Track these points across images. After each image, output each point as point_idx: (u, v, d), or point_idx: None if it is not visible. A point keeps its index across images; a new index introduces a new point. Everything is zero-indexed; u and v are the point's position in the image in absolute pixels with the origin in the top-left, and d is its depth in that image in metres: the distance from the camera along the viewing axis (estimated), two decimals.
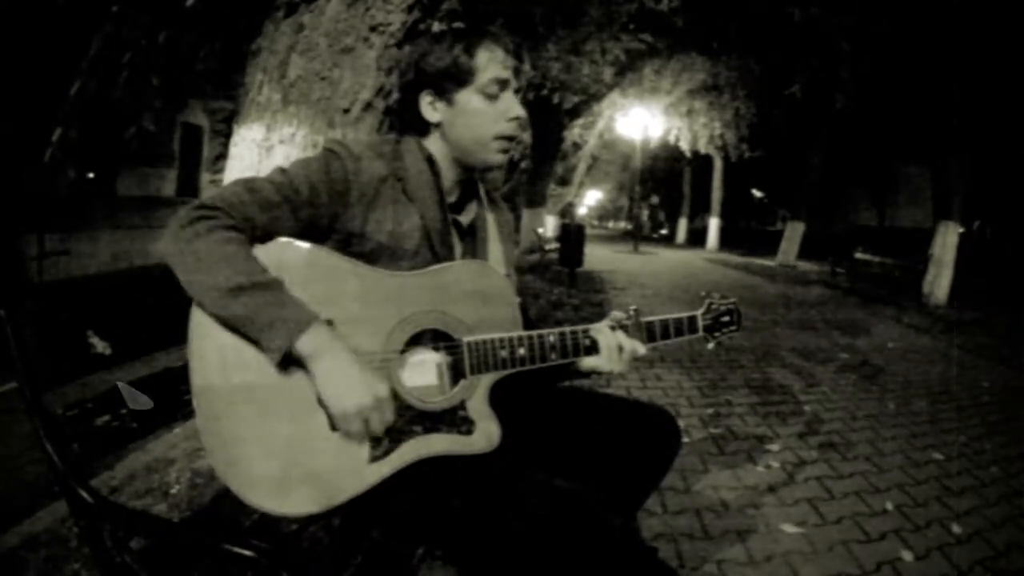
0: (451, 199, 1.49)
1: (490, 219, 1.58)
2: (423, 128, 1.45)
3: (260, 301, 1.12)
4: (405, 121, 1.48)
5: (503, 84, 1.38)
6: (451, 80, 1.38)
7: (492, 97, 1.38)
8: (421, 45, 1.45)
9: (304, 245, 1.24)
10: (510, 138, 1.41)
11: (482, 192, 1.59)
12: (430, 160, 1.43)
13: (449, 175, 1.46)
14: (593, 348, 1.46)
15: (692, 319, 1.59)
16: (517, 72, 1.40)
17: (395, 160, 1.40)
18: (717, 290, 1.66)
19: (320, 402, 1.18)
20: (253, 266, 1.15)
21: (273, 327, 1.11)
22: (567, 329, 1.44)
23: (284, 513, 1.18)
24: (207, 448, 1.15)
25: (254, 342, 1.13)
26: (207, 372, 1.16)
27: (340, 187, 1.31)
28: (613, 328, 1.49)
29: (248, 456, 1.15)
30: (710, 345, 1.63)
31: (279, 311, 1.12)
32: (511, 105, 1.40)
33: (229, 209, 1.18)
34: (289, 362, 1.15)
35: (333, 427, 1.20)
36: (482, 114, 1.38)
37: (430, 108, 1.43)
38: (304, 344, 1.13)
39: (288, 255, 1.21)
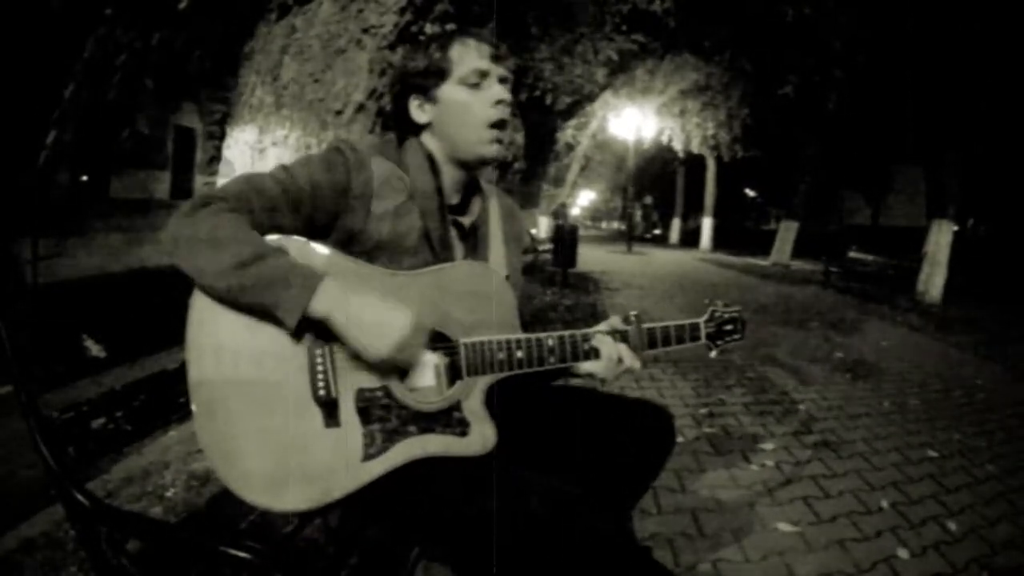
0: (453, 200, 1.49)
1: (495, 221, 1.57)
2: (418, 132, 1.47)
3: (270, 268, 1.14)
4: (401, 130, 1.49)
5: (482, 74, 1.39)
6: (431, 78, 1.41)
7: (474, 86, 1.39)
8: (404, 55, 1.48)
9: (304, 241, 1.24)
10: (500, 125, 1.40)
11: (489, 194, 1.59)
12: (431, 159, 1.44)
13: (448, 175, 1.46)
14: (591, 353, 1.46)
15: (695, 327, 1.58)
16: (496, 59, 1.41)
17: (398, 159, 1.42)
18: (712, 290, 1.65)
19: (316, 399, 1.18)
20: (257, 239, 1.17)
21: (287, 290, 1.13)
22: (566, 333, 1.43)
23: (278, 509, 1.18)
24: (202, 443, 1.16)
25: (268, 310, 1.14)
26: (204, 367, 1.16)
27: (341, 184, 1.32)
28: (613, 335, 1.48)
29: (243, 451, 1.16)
30: (712, 353, 1.62)
31: (289, 274, 1.14)
32: (495, 91, 1.40)
33: (231, 200, 1.20)
34: (306, 326, 1.16)
35: (327, 424, 1.20)
36: (467, 104, 1.40)
37: (419, 110, 1.45)
38: (320, 301, 1.15)
39: (288, 250, 1.21)
